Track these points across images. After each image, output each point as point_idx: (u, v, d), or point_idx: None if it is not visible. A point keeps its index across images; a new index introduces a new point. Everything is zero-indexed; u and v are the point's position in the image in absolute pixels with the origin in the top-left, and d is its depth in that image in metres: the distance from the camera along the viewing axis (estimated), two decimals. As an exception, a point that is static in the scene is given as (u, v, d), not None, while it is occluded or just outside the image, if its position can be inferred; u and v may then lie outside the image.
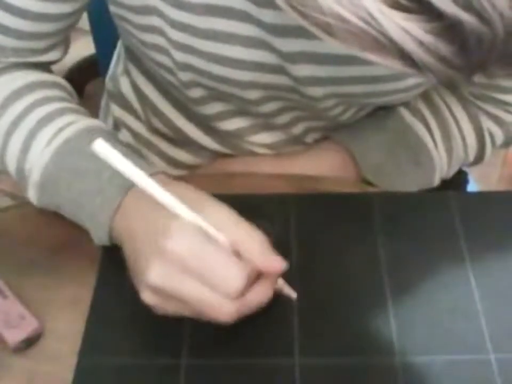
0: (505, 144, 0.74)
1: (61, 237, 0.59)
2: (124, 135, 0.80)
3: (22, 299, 0.54)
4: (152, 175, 0.51)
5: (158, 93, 0.73)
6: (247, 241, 0.48)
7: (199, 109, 0.68)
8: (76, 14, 0.62)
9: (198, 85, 0.63)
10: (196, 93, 0.65)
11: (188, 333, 0.52)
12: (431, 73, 0.33)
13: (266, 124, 0.69)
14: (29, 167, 0.57)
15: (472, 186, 0.87)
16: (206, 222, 0.48)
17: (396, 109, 0.70)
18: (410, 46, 0.31)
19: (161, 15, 0.57)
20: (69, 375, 0.50)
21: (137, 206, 0.52)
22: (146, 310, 0.49)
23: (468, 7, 0.30)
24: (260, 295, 0.49)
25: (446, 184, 0.73)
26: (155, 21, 0.58)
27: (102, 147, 0.48)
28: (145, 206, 0.50)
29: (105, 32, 0.85)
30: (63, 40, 0.65)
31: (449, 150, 0.70)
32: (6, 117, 0.59)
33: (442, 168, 0.71)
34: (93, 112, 0.63)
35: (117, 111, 0.80)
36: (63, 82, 0.65)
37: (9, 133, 0.58)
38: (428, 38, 0.31)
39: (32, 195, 0.57)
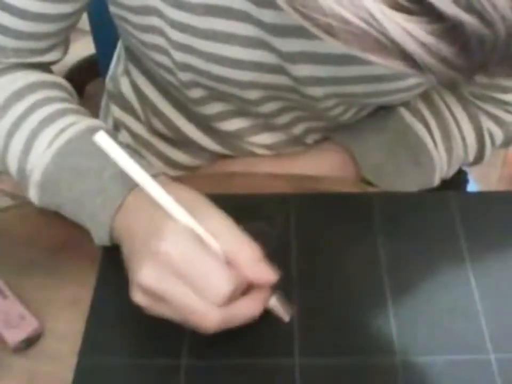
0: (505, 144, 0.74)
1: (61, 237, 0.59)
2: (123, 136, 0.80)
3: (22, 299, 0.54)
4: (152, 175, 0.51)
5: (158, 93, 0.73)
6: (239, 250, 0.48)
7: (199, 109, 0.68)
8: (75, 15, 0.62)
9: (198, 85, 0.63)
10: (196, 93, 0.65)
11: (188, 333, 0.52)
12: (433, 74, 0.33)
13: (266, 124, 0.69)
14: (30, 168, 0.57)
15: (472, 186, 0.87)
16: (201, 226, 0.48)
17: (396, 109, 0.70)
18: (411, 47, 0.31)
19: (161, 15, 0.57)
20: (69, 375, 0.50)
21: (139, 206, 0.52)
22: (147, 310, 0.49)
23: (469, 9, 0.30)
24: (248, 307, 0.48)
25: (446, 184, 0.73)
26: (155, 21, 0.58)
27: (103, 139, 0.47)
28: (146, 206, 0.50)
29: (105, 32, 0.85)
30: (63, 41, 0.65)
31: (449, 150, 0.70)
32: (7, 118, 0.59)
33: (442, 168, 0.71)
34: (93, 112, 0.63)
35: (116, 111, 0.80)
36: (64, 82, 0.65)
37: (10, 134, 0.58)
38: (430, 39, 0.31)
39: (33, 195, 0.57)
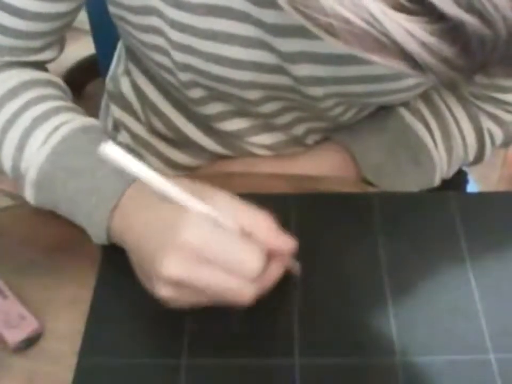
0: (505, 144, 0.74)
1: (61, 236, 0.59)
2: (123, 136, 0.80)
3: (22, 299, 0.54)
4: None
5: (158, 93, 0.73)
6: (256, 224, 0.49)
7: (199, 109, 0.68)
8: (72, 14, 0.62)
9: (198, 85, 0.63)
10: (196, 93, 0.65)
11: (188, 333, 0.52)
12: (433, 74, 0.33)
13: (266, 124, 0.69)
14: (25, 166, 0.57)
15: (472, 187, 0.87)
16: (214, 210, 0.48)
17: (396, 109, 0.70)
18: (412, 47, 0.31)
19: (160, 15, 0.57)
20: (69, 375, 0.50)
21: (136, 205, 0.52)
22: (146, 310, 0.49)
23: (470, 9, 0.30)
24: (274, 273, 0.50)
25: (446, 184, 0.73)
26: (154, 21, 0.58)
27: (109, 149, 0.47)
28: (146, 203, 0.50)
29: (105, 32, 0.85)
30: (59, 40, 0.65)
31: (449, 150, 0.70)
32: (1, 116, 0.59)
33: (442, 168, 0.70)
34: (93, 112, 0.63)
35: (116, 111, 0.80)
36: (58, 80, 0.65)
37: (4, 132, 0.58)
38: (430, 39, 0.31)
39: (28, 194, 0.57)
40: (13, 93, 0.60)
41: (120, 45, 0.81)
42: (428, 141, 0.69)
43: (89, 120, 0.59)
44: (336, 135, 0.71)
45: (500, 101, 0.69)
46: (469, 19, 0.30)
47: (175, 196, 0.49)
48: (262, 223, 0.50)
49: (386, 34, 0.31)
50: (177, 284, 0.48)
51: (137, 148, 0.79)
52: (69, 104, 0.61)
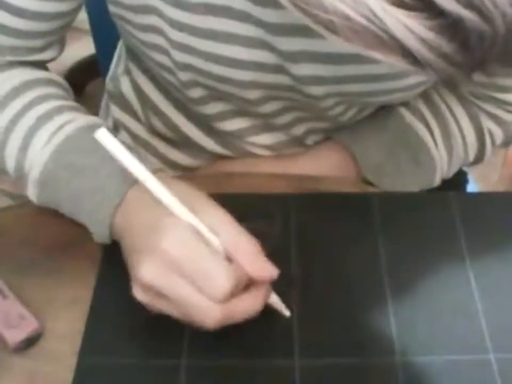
0: (505, 143, 0.74)
1: (61, 236, 0.59)
2: (123, 136, 0.80)
3: (22, 299, 0.54)
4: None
5: (158, 92, 0.73)
6: (240, 247, 0.48)
7: (199, 109, 0.68)
8: (72, 13, 0.62)
9: (198, 84, 0.63)
10: (196, 92, 0.65)
11: (188, 333, 0.52)
12: (433, 71, 0.33)
13: (266, 124, 0.69)
14: (29, 165, 0.57)
15: (472, 187, 0.87)
16: (202, 222, 0.48)
17: (396, 108, 0.70)
18: (412, 43, 0.31)
19: (160, 14, 0.57)
20: (69, 375, 0.50)
21: (139, 203, 0.52)
22: (146, 310, 0.49)
23: (469, 5, 0.30)
24: (248, 303, 0.48)
25: (446, 184, 0.73)
26: (154, 20, 0.58)
27: (105, 136, 0.48)
28: (145, 203, 0.51)
29: (105, 32, 0.85)
30: (59, 39, 0.65)
31: (449, 150, 0.70)
32: (4, 116, 0.59)
33: (442, 168, 0.70)
34: (93, 112, 0.63)
35: (116, 111, 0.80)
36: (59, 79, 0.65)
37: (7, 131, 0.58)
38: (430, 36, 0.31)
39: (31, 193, 0.57)
40: (16, 92, 0.60)
41: (120, 45, 0.81)
42: (428, 141, 0.69)
43: (93, 119, 0.59)
44: (336, 135, 0.71)
45: (500, 100, 0.69)
46: (467, 15, 0.30)
47: (162, 198, 0.48)
48: (246, 248, 0.48)
49: (385, 31, 0.31)
50: (149, 289, 0.47)
51: (137, 148, 0.79)
52: (72, 103, 0.61)
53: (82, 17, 0.65)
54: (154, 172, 0.54)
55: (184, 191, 0.50)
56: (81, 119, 0.58)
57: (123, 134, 0.80)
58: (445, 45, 0.32)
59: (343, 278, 0.56)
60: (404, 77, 0.60)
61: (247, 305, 0.48)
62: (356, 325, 0.53)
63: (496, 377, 0.50)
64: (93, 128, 0.57)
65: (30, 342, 0.52)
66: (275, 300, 0.51)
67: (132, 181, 0.53)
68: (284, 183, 0.65)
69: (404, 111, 0.70)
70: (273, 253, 0.49)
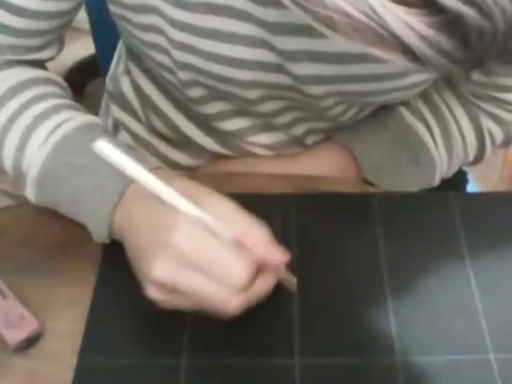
0: (505, 143, 0.75)
1: (61, 236, 0.59)
2: (123, 136, 0.80)
3: (22, 299, 0.54)
4: (153, 169, 0.51)
5: (158, 92, 0.73)
6: (250, 234, 0.48)
7: (199, 109, 0.68)
8: (71, 12, 0.62)
9: (198, 84, 0.63)
10: (196, 92, 0.65)
11: (188, 333, 0.52)
12: (433, 67, 0.33)
13: (266, 124, 0.69)
14: (27, 164, 0.57)
15: (472, 187, 0.87)
16: (209, 215, 0.48)
17: (396, 108, 0.70)
18: (412, 40, 0.31)
19: (161, 14, 0.57)
20: (69, 375, 0.50)
21: (140, 201, 0.52)
22: (146, 310, 0.49)
23: (469, 1, 0.30)
24: (263, 285, 0.49)
25: (446, 184, 0.73)
26: (155, 20, 0.58)
27: (103, 146, 0.48)
28: (147, 200, 0.50)
29: (105, 32, 0.85)
30: (58, 38, 0.65)
31: (449, 150, 0.70)
32: (2, 114, 0.59)
33: (442, 168, 0.71)
34: (93, 112, 0.63)
35: (116, 111, 0.80)
36: (57, 78, 0.65)
37: (5, 130, 0.58)
38: (430, 32, 0.31)
39: (30, 192, 0.57)
40: (13, 91, 0.60)
41: (120, 45, 0.81)
42: (428, 141, 0.69)
43: (91, 118, 0.59)
44: (336, 135, 0.71)
45: (500, 100, 0.69)
46: (467, 11, 0.30)
47: (168, 199, 0.48)
48: (256, 234, 0.49)
49: (385, 27, 0.31)
50: (164, 286, 0.48)
51: (137, 147, 0.79)
52: (70, 102, 0.61)
53: (82, 17, 0.65)
54: (156, 167, 0.55)
55: (188, 186, 0.50)
56: (79, 117, 0.58)
57: (123, 134, 0.80)
58: (445, 42, 0.32)
59: (343, 277, 0.56)
60: (404, 76, 0.60)
61: (262, 288, 0.49)
62: (356, 324, 0.53)
63: (496, 377, 0.50)
64: (90, 127, 0.57)
65: (30, 342, 0.52)
66: (285, 275, 0.53)
67: (131, 179, 0.53)
68: (284, 183, 0.65)
69: (403, 111, 0.70)
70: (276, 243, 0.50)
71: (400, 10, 0.31)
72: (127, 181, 0.53)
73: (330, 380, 0.50)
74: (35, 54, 0.64)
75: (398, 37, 0.31)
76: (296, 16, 0.33)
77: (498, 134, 0.72)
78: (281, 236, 0.58)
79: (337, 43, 0.33)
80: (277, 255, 0.49)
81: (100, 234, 0.55)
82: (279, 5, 0.54)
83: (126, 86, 0.77)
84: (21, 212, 0.62)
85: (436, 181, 0.71)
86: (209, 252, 0.47)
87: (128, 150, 0.55)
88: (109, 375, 0.50)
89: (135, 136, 0.79)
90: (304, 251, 0.58)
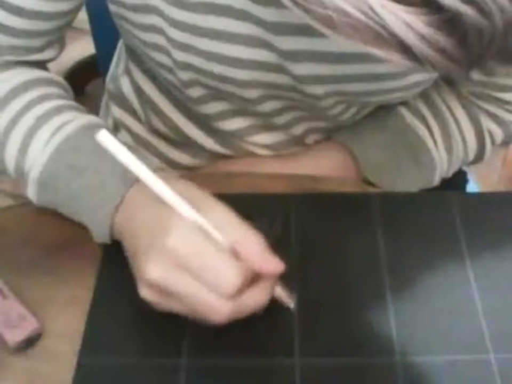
0: (505, 142, 0.75)
1: (61, 236, 0.59)
2: (123, 136, 0.80)
3: (22, 299, 0.54)
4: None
5: (158, 92, 0.73)
6: (245, 242, 0.48)
7: (199, 109, 0.68)
8: (71, 13, 0.62)
9: (198, 84, 0.63)
10: (196, 92, 0.65)
11: (188, 333, 0.52)
12: (431, 66, 0.33)
13: (266, 123, 0.69)
14: (29, 165, 0.57)
15: (472, 187, 0.87)
16: (206, 220, 0.48)
17: (396, 108, 0.70)
18: (411, 38, 0.31)
19: (161, 14, 0.57)
20: (69, 375, 0.50)
21: (140, 202, 0.52)
22: (146, 310, 0.49)
23: (468, 0, 0.30)
24: (256, 297, 0.49)
25: (446, 184, 0.73)
26: (155, 20, 0.58)
27: (106, 137, 0.48)
28: (148, 202, 0.51)
29: (105, 32, 0.85)
30: (59, 39, 0.65)
31: (449, 150, 0.70)
32: (4, 116, 0.59)
33: (442, 168, 0.71)
34: (93, 112, 0.63)
35: (116, 111, 0.80)
36: (59, 79, 0.65)
37: (7, 131, 0.58)
38: (428, 31, 0.31)
39: (31, 193, 0.57)
40: (15, 92, 0.60)
41: (120, 45, 0.81)
42: (428, 141, 0.69)
43: (93, 119, 0.59)
44: (336, 135, 0.71)
45: (500, 100, 0.69)
46: (466, 10, 0.30)
47: (167, 199, 0.48)
48: (252, 243, 0.48)
49: (384, 26, 0.31)
50: (156, 288, 0.47)
51: (137, 148, 0.79)
52: (72, 102, 0.61)
53: (82, 17, 0.65)
54: (156, 170, 0.54)
55: (187, 190, 0.50)
56: (81, 118, 0.58)
57: (123, 134, 0.80)
58: (444, 41, 0.32)
59: (343, 277, 0.56)
60: (404, 76, 0.60)
61: (254, 299, 0.48)
62: (356, 324, 0.53)
63: (496, 377, 0.50)
64: (93, 127, 0.57)
65: (30, 342, 0.52)
66: (279, 292, 0.52)
67: (132, 181, 0.53)
68: (284, 183, 0.65)
69: (404, 111, 0.70)
70: (273, 253, 0.49)
71: (399, 9, 0.31)
72: (128, 182, 0.53)
73: (330, 379, 0.50)
74: (35, 55, 0.64)
75: (396, 35, 0.32)
76: (296, 15, 0.33)
77: (498, 134, 0.72)
78: (281, 236, 0.59)
79: (337, 42, 0.33)
80: (271, 265, 0.48)
81: (100, 234, 0.55)
82: (279, 5, 0.54)
83: (126, 86, 0.77)
84: (21, 212, 0.62)
85: (436, 181, 0.71)
86: (204, 256, 0.47)
87: (131, 150, 0.55)
88: (109, 375, 0.50)
89: (135, 136, 0.79)
90: (304, 251, 0.58)
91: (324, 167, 0.71)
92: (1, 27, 0.60)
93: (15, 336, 0.51)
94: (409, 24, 0.31)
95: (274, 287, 0.51)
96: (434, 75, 0.63)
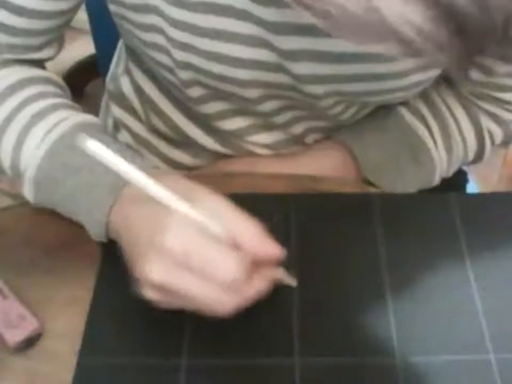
0: (505, 142, 0.75)
1: (60, 236, 0.59)
2: (124, 136, 0.80)
3: (22, 299, 0.54)
4: (148, 169, 0.51)
5: (158, 92, 0.73)
6: (243, 229, 0.48)
7: (199, 108, 0.68)
8: (70, 12, 0.62)
9: (198, 83, 0.63)
10: (196, 92, 0.65)
11: (188, 333, 0.52)
12: (429, 59, 0.33)
13: (266, 123, 0.69)
14: (24, 164, 0.57)
15: (472, 187, 0.87)
16: (201, 212, 0.48)
17: (396, 108, 0.70)
18: (409, 32, 0.31)
19: (161, 13, 0.57)
20: (69, 375, 0.50)
21: (135, 201, 0.52)
22: (146, 310, 0.49)
23: None
24: (258, 285, 0.49)
25: (446, 184, 0.73)
26: (155, 19, 0.58)
27: (92, 146, 0.47)
28: (142, 200, 0.50)
29: (105, 32, 0.85)
30: (58, 38, 0.65)
31: (449, 149, 0.70)
32: None
33: (442, 168, 0.71)
34: (93, 112, 0.63)
35: (117, 111, 0.80)
36: (56, 78, 0.65)
37: (2, 129, 0.58)
38: (427, 25, 0.31)
39: (27, 192, 0.57)
40: (12, 90, 0.60)
41: (120, 45, 0.81)
42: (428, 141, 0.69)
43: (88, 117, 0.59)
44: (336, 135, 0.71)
45: (500, 100, 0.69)
46: (464, 3, 0.30)
47: (159, 197, 0.48)
48: (250, 229, 0.48)
49: (381, 20, 0.31)
50: (159, 288, 0.48)
51: (137, 147, 0.79)
52: (67, 101, 0.61)
53: (82, 17, 0.66)
54: (152, 167, 0.54)
55: (179, 184, 0.50)
56: (76, 117, 0.58)
57: (124, 134, 0.80)
58: (442, 34, 0.32)
59: (343, 278, 0.56)
60: (404, 76, 0.60)
61: (258, 287, 0.49)
62: (356, 324, 0.53)
63: (496, 377, 0.50)
64: (88, 126, 0.57)
65: (30, 342, 0.52)
66: (282, 274, 0.52)
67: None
68: (284, 183, 0.65)
69: (404, 111, 0.70)
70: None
71: (397, 3, 0.31)
72: (122, 182, 0.53)
73: (330, 380, 0.50)
74: (34, 54, 0.64)
75: (395, 30, 0.32)
76: (295, 13, 0.33)
77: (498, 134, 0.72)
78: (281, 236, 0.58)
79: (337, 41, 0.34)
80: (271, 249, 0.49)
81: (97, 233, 0.55)
82: (279, 5, 0.54)
83: (126, 86, 0.77)
84: (21, 212, 0.62)
85: (436, 181, 0.71)
86: (202, 251, 0.47)
87: (121, 148, 0.55)
88: (109, 375, 0.50)
89: (135, 136, 0.79)
90: (304, 251, 0.58)
91: (324, 166, 0.70)
92: (2, 26, 0.60)
93: (15, 336, 0.51)
94: (407, 17, 0.31)
95: (275, 270, 0.51)
96: (434, 75, 0.63)
